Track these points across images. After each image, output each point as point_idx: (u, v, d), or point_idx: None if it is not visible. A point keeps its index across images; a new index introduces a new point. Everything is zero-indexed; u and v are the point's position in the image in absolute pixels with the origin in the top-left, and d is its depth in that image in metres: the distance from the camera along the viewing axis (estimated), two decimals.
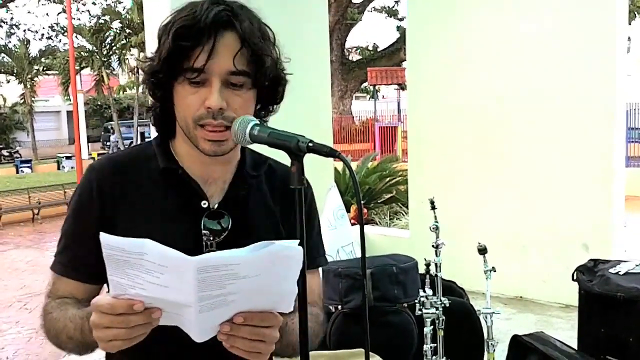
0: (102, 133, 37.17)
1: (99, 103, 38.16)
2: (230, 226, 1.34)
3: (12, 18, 35.36)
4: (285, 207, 1.43)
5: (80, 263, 1.34)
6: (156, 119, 1.39)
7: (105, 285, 1.37)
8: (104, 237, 1.03)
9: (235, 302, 1.06)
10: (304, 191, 1.15)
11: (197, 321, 1.06)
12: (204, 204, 1.34)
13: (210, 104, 1.24)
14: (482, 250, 3.23)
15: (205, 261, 1.01)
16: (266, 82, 1.31)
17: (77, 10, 32.63)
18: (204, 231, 1.33)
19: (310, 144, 1.12)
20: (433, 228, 3.37)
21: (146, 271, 1.02)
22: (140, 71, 1.38)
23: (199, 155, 1.33)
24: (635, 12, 22.28)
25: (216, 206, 1.35)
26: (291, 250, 1.06)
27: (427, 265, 3.35)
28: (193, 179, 1.35)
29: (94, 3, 33.18)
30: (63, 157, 28.35)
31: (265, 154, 1.45)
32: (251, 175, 1.41)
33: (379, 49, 28.88)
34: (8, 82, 34.85)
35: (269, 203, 1.42)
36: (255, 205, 1.40)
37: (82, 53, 29.99)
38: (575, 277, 3.72)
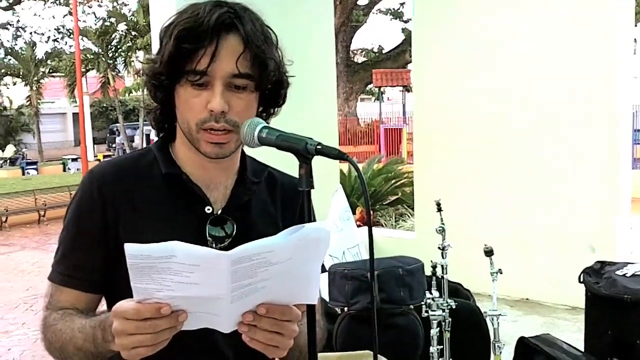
0: (108, 135, 37.24)
1: (105, 105, 38.26)
2: (234, 232, 1.34)
3: (18, 20, 35.59)
4: (285, 214, 1.43)
5: (81, 272, 1.31)
6: (156, 123, 1.38)
7: (103, 296, 1.35)
8: (129, 247, 0.99)
9: (265, 288, 1.06)
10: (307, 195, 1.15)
11: (227, 311, 1.05)
12: (208, 209, 1.34)
13: (212, 107, 1.23)
14: (489, 252, 3.22)
15: (239, 253, 1.00)
16: (269, 85, 1.30)
17: (83, 12, 32.73)
18: (208, 238, 1.32)
19: (319, 147, 1.12)
20: (439, 230, 3.36)
21: (174, 273, 1.00)
22: (143, 73, 1.35)
23: (200, 159, 1.32)
24: None
25: (220, 212, 1.35)
26: (320, 232, 1.07)
27: (434, 267, 3.35)
28: (196, 184, 1.34)
29: (99, 5, 33.30)
30: (69, 159, 28.38)
31: (274, 157, 1.45)
32: (252, 182, 1.40)
33: (384, 51, 28.88)
34: (14, 84, 34.98)
35: (269, 209, 1.42)
36: (257, 211, 1.39)
37: (88, 55, 30.02)
38: (581, 279, 3.72)
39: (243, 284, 1.03)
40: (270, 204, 1.43)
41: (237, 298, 1.04)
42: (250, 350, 1.20)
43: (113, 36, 30.66)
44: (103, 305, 1.35)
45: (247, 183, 1.39)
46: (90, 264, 1.30)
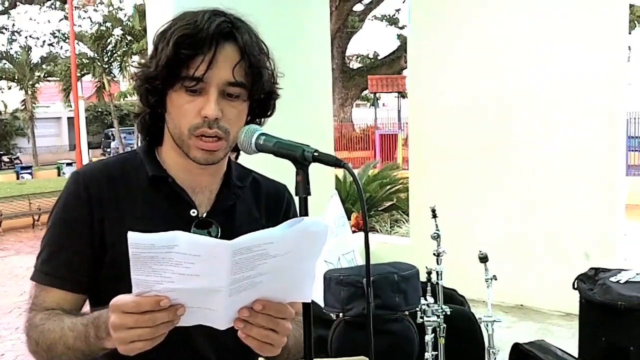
0: (103, 139, 37.20)
1: (100, 110, 38.21)
2: (219, 235, 1.34)
3: (13, 25, 35.54)
4: (270, 218, 1.43)
5: (69, 271, 1.30)
6: (144, 127, 1.38)
7: (88, 297, 1.35)
8: (132, 235, 0.99)
9: (262, 283, 1.07)
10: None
11: (224, 306, 1.06)
12: (193, 212, 1.35)
13: (206, 113, 1.24)
14: (483, 259, 3.24)
15: (240, 243, 1.01)
16: (261, 95, 1.32)
17: (79, 17, 32.77)
18: None
19: (316, 154, 1.13)
20: (434, 236, 3.37)
21: (175, 264, 1.00)
22: (135, 77, 1.35)
23: (187, 164, 1.34)
24: (636, 22, 22.32)
25: (205, 215, 1.36)
26: (319, 225, 1.08)
27: (429, 273, 3.35)
28: (182, 187, 1.36)
29: (95, 10, 33.31)
30: (63, 164, 28.31)
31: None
32: (237, 186, 1.42)
33: (379, 57, 28.94)
34: (9, 88, 34.92)
35: (254, 213, 1.43)
36: (241, 215, 1.41)
37: (84, 60, 30.05)
38: (576, 286, 3.73)
39: (242, 277, 1.03)
40: (255, 209, 1.44)
41: (235, 292, 1.05)
42: (231, 353, 1.20)
43: (109, 41, 30.69)
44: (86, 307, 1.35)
45: (232, 187, 1.41)
46: (77, 264, 1.30)
